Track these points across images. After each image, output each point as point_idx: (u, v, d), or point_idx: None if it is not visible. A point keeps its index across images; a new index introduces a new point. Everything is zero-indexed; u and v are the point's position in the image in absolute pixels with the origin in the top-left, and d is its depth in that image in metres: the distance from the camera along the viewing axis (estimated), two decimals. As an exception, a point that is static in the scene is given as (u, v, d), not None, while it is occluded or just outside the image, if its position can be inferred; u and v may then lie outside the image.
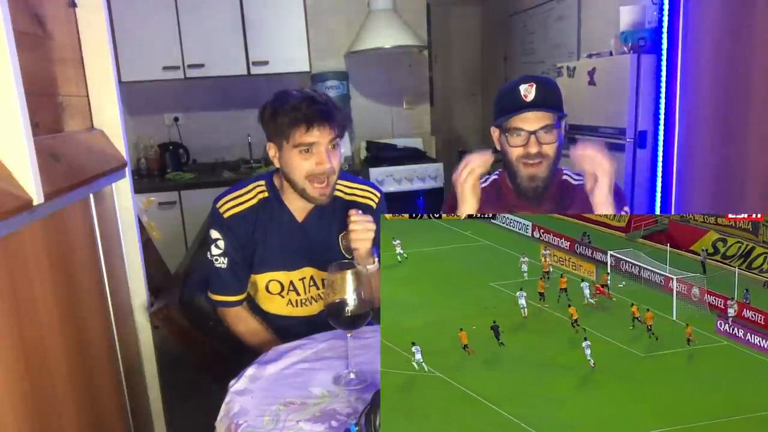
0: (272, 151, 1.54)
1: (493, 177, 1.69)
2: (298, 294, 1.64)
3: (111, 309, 1.64)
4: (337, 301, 1.18)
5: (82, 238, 1.50)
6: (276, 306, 1.66)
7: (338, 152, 1.52)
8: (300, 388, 1.19)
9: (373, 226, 1.47)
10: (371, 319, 1.21)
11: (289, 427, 1.05)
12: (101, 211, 1.62)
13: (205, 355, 1.86)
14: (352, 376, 1.21)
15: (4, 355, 1.03)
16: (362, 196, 1.65)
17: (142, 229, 1.98)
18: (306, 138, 1.45)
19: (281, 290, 1.64)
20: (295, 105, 1.45)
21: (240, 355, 1.60)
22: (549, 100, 1.49)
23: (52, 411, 1.21)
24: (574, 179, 1.65)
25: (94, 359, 1.50)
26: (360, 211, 1.49)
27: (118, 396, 1.67)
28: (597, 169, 1.44)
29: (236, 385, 1.21)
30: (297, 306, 1.65)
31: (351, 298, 1.18)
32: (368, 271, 1.46)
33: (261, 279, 1.63)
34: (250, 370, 1.26)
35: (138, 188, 2.56)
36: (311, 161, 1.47)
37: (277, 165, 1.55)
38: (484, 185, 1.68)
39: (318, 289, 1.65)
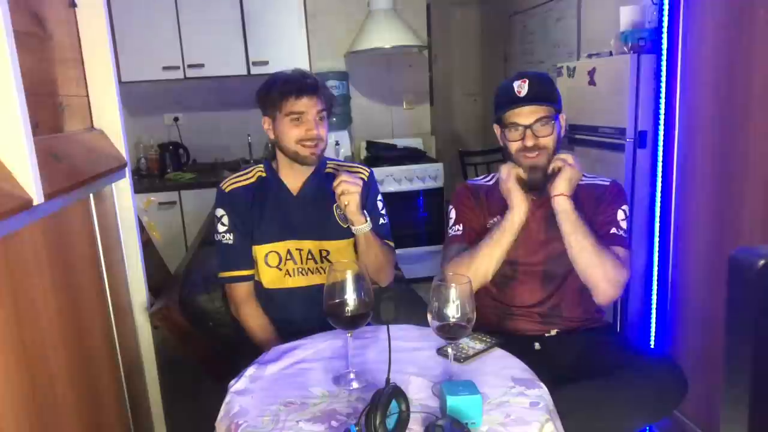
0: (266, 125, 1.69)
1: (498, 174, 1.70)
2: (295, 263, 1.70)
3: (111, 309, 1.64)
4: (337, 301, 1.18)
5: (82, 238, 1.50)
6: (274, 279, 1.70)
7: (325, 124, 1.67)
8: (300, 388, 1.19)
9: (358, 181, 1.58)
10: (371, 319, 1.21)
11: (289, 427, 1.05)
12: (101, 211, 1.62)
13: (205, 355, 1.86)
14: (352, 376, 1.20)
15: (4, 356, 1.03)
16: (353, 172, 1.73)
17: (142, 229, 1.98)
18: (295, 107, 1.61)
19: (279, 262, 1.69)
20: (287, 79, 1.63)
21: (240, 355, 1.61)
22: (541, 93, 1.55)
23: (52, 411, 1.21)
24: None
25: (94, 359, 1.50)
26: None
27: (118, 396, 1.67)
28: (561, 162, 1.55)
29: (236, 385, 1.21)
30: (294, 275, 1.70)
31: (351, 298, 1.18)
32: (363, 231, 1.61)
33: (260, 251, 1.69)
34: (250, 370, 1.26)
35: (138, 188, 2.57)
36: (301, 128, 1.62)
37: (271, 136, 1.70)
38: (489, 183, 1.75)
39: (316, 262, 1.70)
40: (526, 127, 1.54)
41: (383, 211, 1.78)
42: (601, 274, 1.50)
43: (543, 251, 1.62)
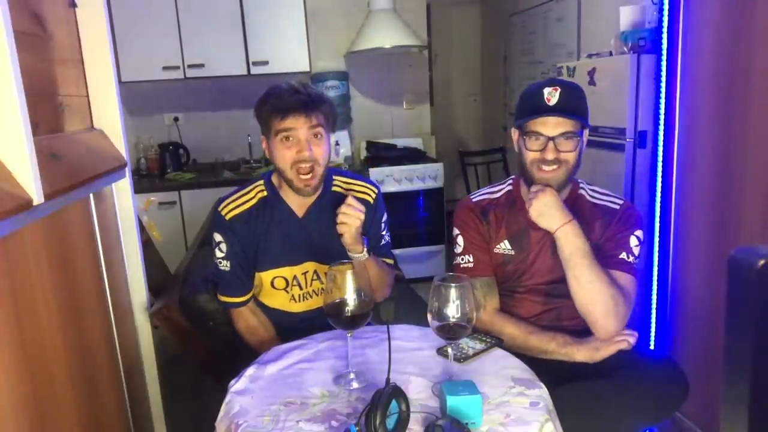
0: (264, 144, 1.60)
1: (507, 188, 1.66)
2: (301, 288, 1.67)
3: (111, 309, 1.64)
4: (337, 301, 1.18)
5: (82, 238, 1.50)
6: (279, 302, 1.68)
7: (322, 143, 1.54)
8: (300, 388, 1.19)
9: (361, 215, 1.47)
10: (371, 319, 1.21)
11: (289, 427, 1.05)
12: (101, 211, 1.62)
13: (205, 355, 1.86)
14: (352, 376, 1.20)
15: (4, 356, 1.03)
16: (360, 191, 1.67)
17: (142, 229, 1.98)
18: (282, 125, 1.50)
19: (286, 286, 1.66)
20: (278, 95, 1.52)
21: (240, 355, 1.61)
22: (572, 106, 1.45)
23: (52, 411, 1.21)
24: (589, 194, 1.61)
25: (94, 359, 1.50)
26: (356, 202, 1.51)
27: (118, 396, 1.67)
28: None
29: (236, 385, 1.21)
30: (299, 301, 1.68)
31: (351, 298, 1.18)
32: (359, 260, 1.50)
33: (266, 276, 1.65)
34: (250, 370, 1.26)
35: (138, 188, 2.56)
36: (292, 150, 1.51)
37: (268, 156, 1.59)
38: (496, 196, 1.65)
39: (321, 283, 1.67)
40: (550, 138, 1.44)
41: (385, 232, 1.72)
42: (600, 310, 1.43)
43: (548, 273, 1.58)
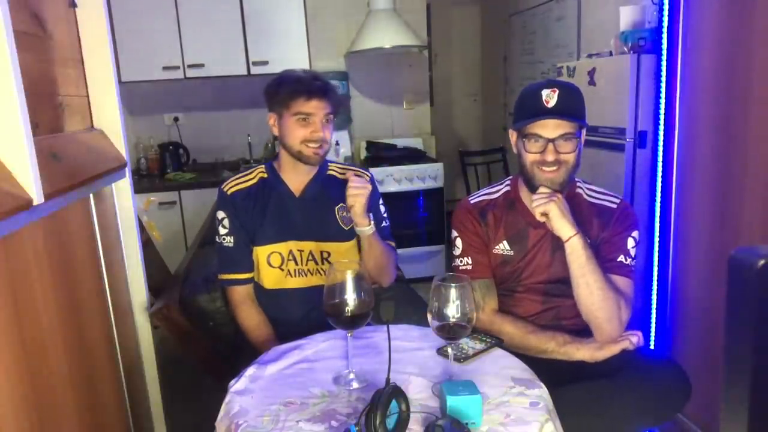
0: (272, 120, 1.70)
1: (505, 188, 1.66)
2: (296, 264, 1.71)
3: (111, 309, 1.64)
4: (337, 301, 1.18)
5: (82, 238, 1.50)
6: (275, 280, 1.71)
7: (331, 127, 1.68)
8: (300, 388, 1.19)
9: (369, 186, 1.62)
10: (371, 319, 1.21)
11: (289, 427, 1.05)
12: (101, 211, 1.62)
13: (205, 355, 1.86)
14: (352, 376, 1.20)
15: (4, 356, 1.03)
16: (355, 174, 1.76)
17: (142, 229, 1.98)
18: (304, 107, 1.62)
19: (281, 263, 1.71)
20: (299, 78, 1.64)
21: (240, 355, 1.61)
22: (570, 108, 1.45)
23: (52, 411, 1.21)
24: (587, 193, 1.61)
25: (95, 359, 1.50)
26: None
27: (118, 396, 1.67)
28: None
29: (236, 385, 1.21)
30: (294, 276, 1.71)
31: (351, 298, 1.18)
32: (366, 234, 1.64)
33: (262, 252, 1.70)
34: (250, 370, 1.26)
35: (138, 188, 2.56)
36: (307, 129, 1.63)
37: (276, 133, 1.70)
38: (495, 196, 1.65)
39: (316, 263, 1.71)
40: (550, 140, 1.45)
41: (385, 214, 1.81)
42: (605, 315, 1.45)
43: (547, 272, 1.58)
